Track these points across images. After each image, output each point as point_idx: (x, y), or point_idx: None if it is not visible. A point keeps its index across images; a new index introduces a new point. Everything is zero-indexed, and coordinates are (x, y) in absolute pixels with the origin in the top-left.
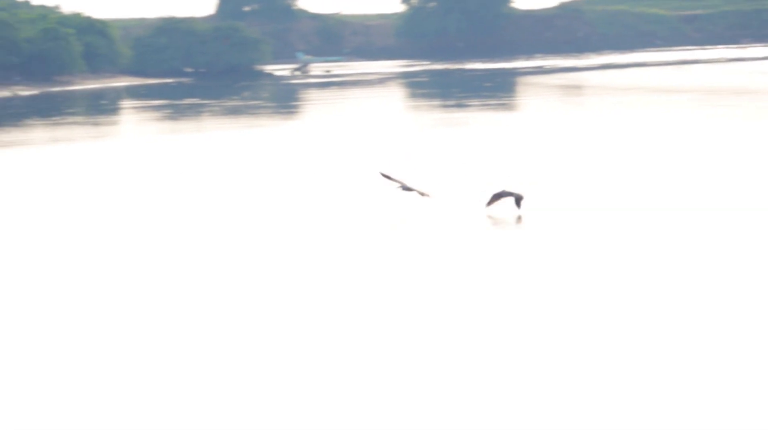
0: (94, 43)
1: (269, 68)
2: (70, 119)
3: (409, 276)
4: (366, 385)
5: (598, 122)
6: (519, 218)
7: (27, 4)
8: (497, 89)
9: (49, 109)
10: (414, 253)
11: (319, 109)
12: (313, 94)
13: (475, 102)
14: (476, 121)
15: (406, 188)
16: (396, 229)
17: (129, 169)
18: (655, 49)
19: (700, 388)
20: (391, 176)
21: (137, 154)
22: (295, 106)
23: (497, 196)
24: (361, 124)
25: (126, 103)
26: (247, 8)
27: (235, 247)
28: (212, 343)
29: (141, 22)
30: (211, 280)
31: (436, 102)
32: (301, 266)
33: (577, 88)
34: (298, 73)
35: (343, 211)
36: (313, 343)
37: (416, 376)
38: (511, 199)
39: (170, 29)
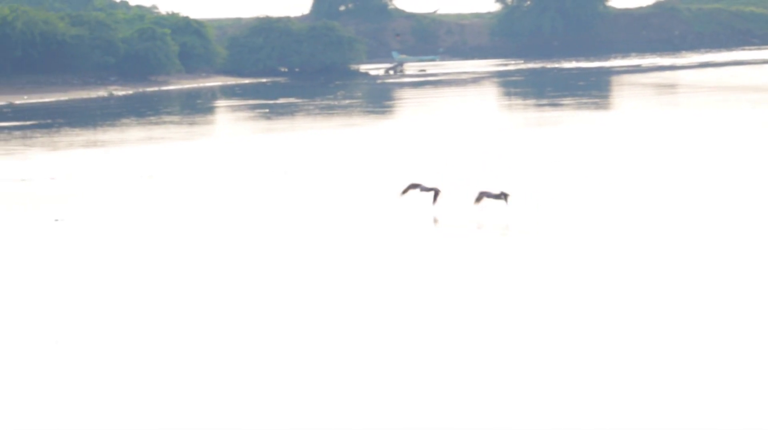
0: (190, 43)
1: (364, 68)
2: (166, 118)
3: (403, 278)
4: (367, 386)
5: (685, 121)
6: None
7: (125, 4)
8: (591, 88)
9: (144, 109)
10: (415, 255)
11: (413, 109)
12: (408, 94)
13: (569, 101)
14: (567, 120)
15: (425, 189)
16: (414, 229)
17: (223, 167)
18: (751, 47)
19: (698, 392)
20: (414, 182)
21: (232, 153)
22: (389, 106)
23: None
24: (453, 123)
25: (221, 103)
26: (342, 8)
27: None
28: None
29: (236, 22)
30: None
31: (530, 101)
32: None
33: (670, 86)
34: (392, 72)
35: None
36: (325, 340)
37: (419, 376)
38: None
39: (266, 29)
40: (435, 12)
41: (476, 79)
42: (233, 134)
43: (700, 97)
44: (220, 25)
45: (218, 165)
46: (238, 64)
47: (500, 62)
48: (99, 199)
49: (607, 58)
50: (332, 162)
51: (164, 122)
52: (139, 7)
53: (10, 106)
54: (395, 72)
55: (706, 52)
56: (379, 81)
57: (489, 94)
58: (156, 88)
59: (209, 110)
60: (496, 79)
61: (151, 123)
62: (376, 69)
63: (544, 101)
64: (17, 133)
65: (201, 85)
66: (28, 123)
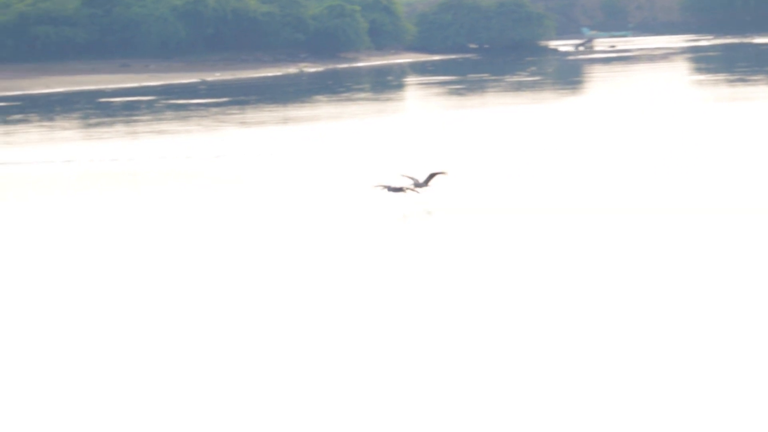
0: (379, 20)
1: (553, 44)
2: (359, 95)
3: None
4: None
5: None
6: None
7: None
8: None
9: (336, 86)
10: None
11: (602, 85)
12: (599, 70)
13: (761, 77)
14: (763, 96)
15: (393, 189)
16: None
17: (404, 143)
18: None
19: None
20: (382, 182)
21: (419, 129)
22: (578, 82)
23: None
24: (641, 100)
25: (412, 79)
26: None
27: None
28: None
29: None
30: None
31: (722, 77)
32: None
33: None
34: (582, 48)
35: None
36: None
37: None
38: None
39: (455, 5)
40: None
41: (668, 55)
42: (425, 110)
43: None
44: (409, 1)
45: (401, 141)
46: (427, 40)
47: (691, 38)
48: (277, 179)
49: None
50: (512, 143)
51: (356, 99)
52: None
53: (204, 83)
54: (585, 48)
55: None
56: (569, 57)
57: (680, 70)
58: (346, 65)
59: (401, 87)
60: (686, 55)
61: (343, 100)
62: (564, 45)
63: (747, 77)
64: (213, 109)
65: (390, 61)
66: (221, 100)
